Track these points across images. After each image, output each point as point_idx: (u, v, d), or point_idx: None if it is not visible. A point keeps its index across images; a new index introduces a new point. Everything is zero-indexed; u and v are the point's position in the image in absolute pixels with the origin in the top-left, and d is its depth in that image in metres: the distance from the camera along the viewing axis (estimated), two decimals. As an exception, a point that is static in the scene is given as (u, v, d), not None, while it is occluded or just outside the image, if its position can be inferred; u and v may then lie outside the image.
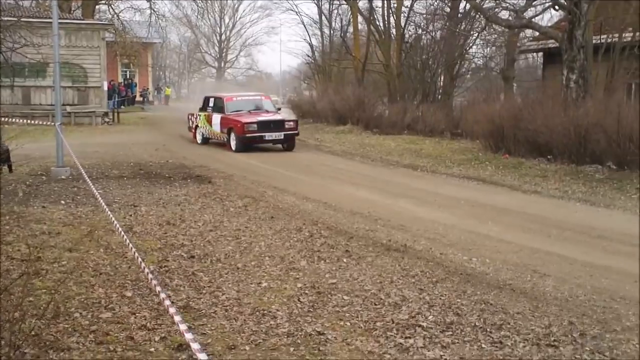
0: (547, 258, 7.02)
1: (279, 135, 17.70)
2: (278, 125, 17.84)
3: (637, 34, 17.79)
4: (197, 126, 19.95)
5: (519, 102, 18.74)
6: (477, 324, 5.04)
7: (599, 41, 18.13)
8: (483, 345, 4.64)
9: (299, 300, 5.56)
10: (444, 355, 4.48)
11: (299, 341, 4.70)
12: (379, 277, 6.22)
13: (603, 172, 12.90)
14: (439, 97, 26.70)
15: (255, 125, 17.34)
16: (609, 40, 18.47)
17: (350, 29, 34.20)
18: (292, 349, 4.58)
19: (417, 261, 6.81)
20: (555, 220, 9.08)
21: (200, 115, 19.73)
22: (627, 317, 5.22)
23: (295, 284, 5.99)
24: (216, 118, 18.53)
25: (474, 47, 28.60)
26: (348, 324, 5.05)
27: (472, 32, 26.44)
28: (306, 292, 5.77)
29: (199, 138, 19.85)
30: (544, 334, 4.84)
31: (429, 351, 4.54)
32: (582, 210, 9.92)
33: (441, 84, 27.42)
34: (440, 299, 5.63)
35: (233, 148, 17.48)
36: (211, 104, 19.25)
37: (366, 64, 30.36)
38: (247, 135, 17.26)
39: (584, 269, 6.63)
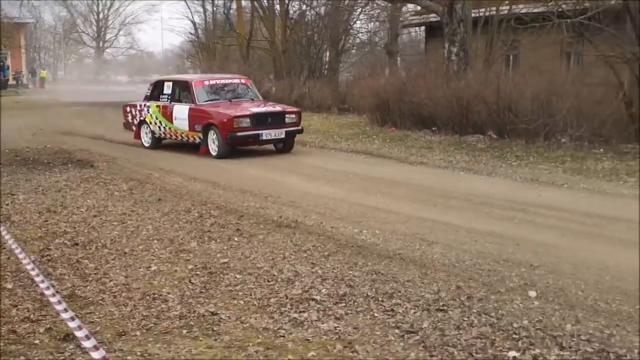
0: (434, 226, 7.20)
1: (279, 133, 12.74)
2: (277, 119, 12.88)
3: (513, 7, 18.48)
4: (142, 122, 14.38)
5: (403, 76, 19.15)
6: (369, 294, 5.10)
7: (478, 14, 18.69)
8: (376, 314, 4.70)
9: (190, 281, 5.45)
10: (338, 326, 4.51)
11: (192, 323, 4.61)
12: (271, 254, 6.18)
13: (484, 142, 13.38)
14: (325, 72, 26.86)
15: (249, 120, 12.44)
16: (487, 14, 19.08)
17: (234, 6, 33.73)
18: (185, 331, 4.48)
19: (309, 236, 6.82)
20: (441, 189, 9.33)
21: (149, 107, 14.14)
22: (510, 278, 5.42)
23: (186, 265, 5.87)
24: (181, 111, 13.24)
25: (358, 22, 28.93)
26: (242, 302, 5.00)
27: (355, 7, 26.69)
28: (197, 273, 5.66)
29: (146, 139, 14.32)
30: (434, 299, 4.96)
31: (323, 324, 4.56)
32: (466, 179, 10.24)
33: (327, 59, 27.60)
34: (333, 272, 5.66)
35: (213, 152, 12.60)
36: (167, 91, 13.85)
37: (251, 41, 30.07)
38: (238, 134, 12.31)
39: (469, 235, 6.83)
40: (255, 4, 29.68)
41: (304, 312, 4.77)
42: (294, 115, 13.18)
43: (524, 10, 17.88)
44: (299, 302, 4.95)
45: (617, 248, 6.27)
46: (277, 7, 28.50)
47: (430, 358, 4.02)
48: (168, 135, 13.82)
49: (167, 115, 13.58)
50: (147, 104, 14.27)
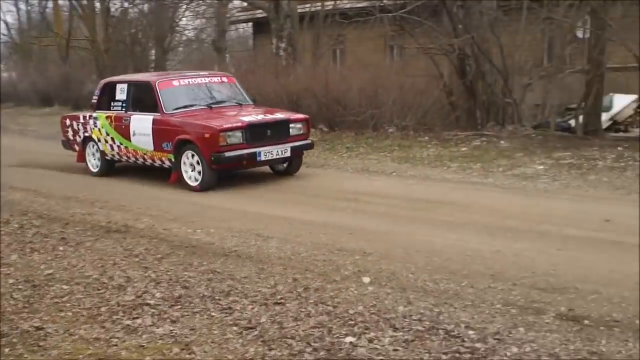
0: (269, 221, 7.18)
1: (283, 150, 9.38)
2: (279, 130, 9.50)
3: (337, 2, 18.95)
4: (87, 139, 10.93)
5: (232, 72, 19.01)
6: (205, 293, 4.99)
7: (304, 10, 18.96)
8: (213, 314, 4.60)
9: (11, 297, 5.07)
10: (174, 329, 4.37)
11: (15, 340, 4.28)
12: (100, 261, 5.90)
13: (316, 135, 13.54)
14: (152, 71, 26.18)
15: (241, 134, 9.05)
16: (313, 9, 19.42)
17: (51, 4, 32.05)
18: (7, 349, 4.15)
19: (140, 240, 6.58)
20: (275, 184, 9.36)
21: (96, 119, 10.67)
22: (345, 266, 5.51)
23: (7, 280, 5.46)
24: (141, 124, 9.78)
25: (184, 19, 28.45)
26: (69, 313, 4.72)
27: (180, 4, 26.22)
28: (19, 287, 5.29)
29: (93, 162, 10.90)
30: (271, 293, 4.93)
31: (158, 328, 4.40)
32: (299, 172, 10.30)
33: (153, 57, 26.92)
34: (167, 274, 5.49)
35: (193, 182, 9.16)
36: (122, 97, 10.29)
37: (70, 41, 28.69)
38: (227, 154, 8.90)
39: (304, 227, 6.88)
40: (74, 2, 28.35)
41: (137, 318, 4.58)
42: (300, 125, 9.80)
43: (348, 5, 18.40)
44: (132, 309, 4.75)
45: (444, 230, 6.56)
46: (97, 4, 27.39)
47: (269, 352, 3.98)
48: (124, 157, 10.35)
49: (122, 129, 10.12)
50: (94, 114, 10.74)
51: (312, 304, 4.69)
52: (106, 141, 10.49)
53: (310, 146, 10.00)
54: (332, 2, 19.37)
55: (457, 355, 3.81)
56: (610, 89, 13.37)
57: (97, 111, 10.70)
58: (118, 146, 10.29)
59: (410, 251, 5.87)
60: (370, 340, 4.04)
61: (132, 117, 9.99)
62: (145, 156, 9.89)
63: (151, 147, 9.66)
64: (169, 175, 9.55)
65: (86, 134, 10.90)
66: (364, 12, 14.74)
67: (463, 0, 13.21)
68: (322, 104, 13.95)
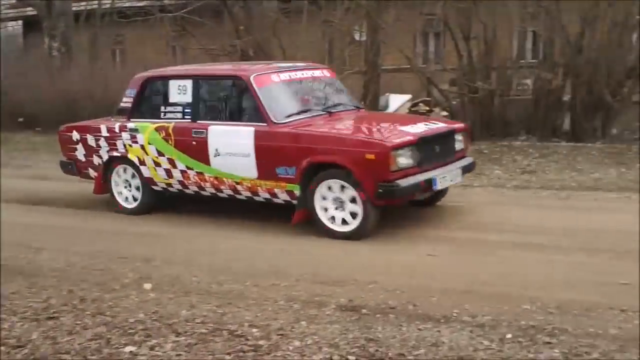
0: (43, 231, 6.79)
1: (455, 173, 6.40)
2: (446, 145, 6.48)
3: (115, 1, 18.31)
4: (114, 161, 7.40)
5: (-1, 74, 17.75)
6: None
7: (79, 8, 18.14)
8: (-25, 336, 4.19)
9: None
10: None
11: None
12: None
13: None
14: None
15: (410, 152, 5.93)
16: (89, 8, 18.63)
17: None
18: None
19: None
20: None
21: (136, 131, 7.15)
22: (125, 274, 5.28)
23: None
24: (232, 140, 6.45)
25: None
26: None
27: None
28: None
29: (125, 194, 7.44)
30: (43, 307, 4.59)
31: None
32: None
33: None
34: None
35: (338, 225, 6.06)
36: (182, 98, 6.88)
37: None
38: (403, 184, 5.78)
39: (80, 236, 6.57)
40: None
41: None
42: (462, 137, 6.75)
43: (127, 4, 17.83)
44: None
45: (227, 231, 6.53)
46: None
47: (41, 370, 3.70)
48: (194, 187, 6.94)
49: (192, 147, 6.73)
50: (131, 125, 7.23)
51: (89, 315, 4.41)
52: (157, 164, 7.07)
53: (473, 166, 7.00)
54: (110, 1, 18.69)
55: (241, 354, 3.77)
56: (386, 89, 14.12)
57: (133, 120, 7.30)
58: (183, 172, 6.89)
59: (193, 254, 5.76)
60: (152, 348, 3.88)
61: (210, 128, 6.63)
62: (237, 187, 6.60)
63: (253, 174, 6.42)
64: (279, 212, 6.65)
65: (114, 154, 7.37)
66: (144, 12, 14.40)
67: (244, 1, 13.32)
68: (101, 106, 13.39)
